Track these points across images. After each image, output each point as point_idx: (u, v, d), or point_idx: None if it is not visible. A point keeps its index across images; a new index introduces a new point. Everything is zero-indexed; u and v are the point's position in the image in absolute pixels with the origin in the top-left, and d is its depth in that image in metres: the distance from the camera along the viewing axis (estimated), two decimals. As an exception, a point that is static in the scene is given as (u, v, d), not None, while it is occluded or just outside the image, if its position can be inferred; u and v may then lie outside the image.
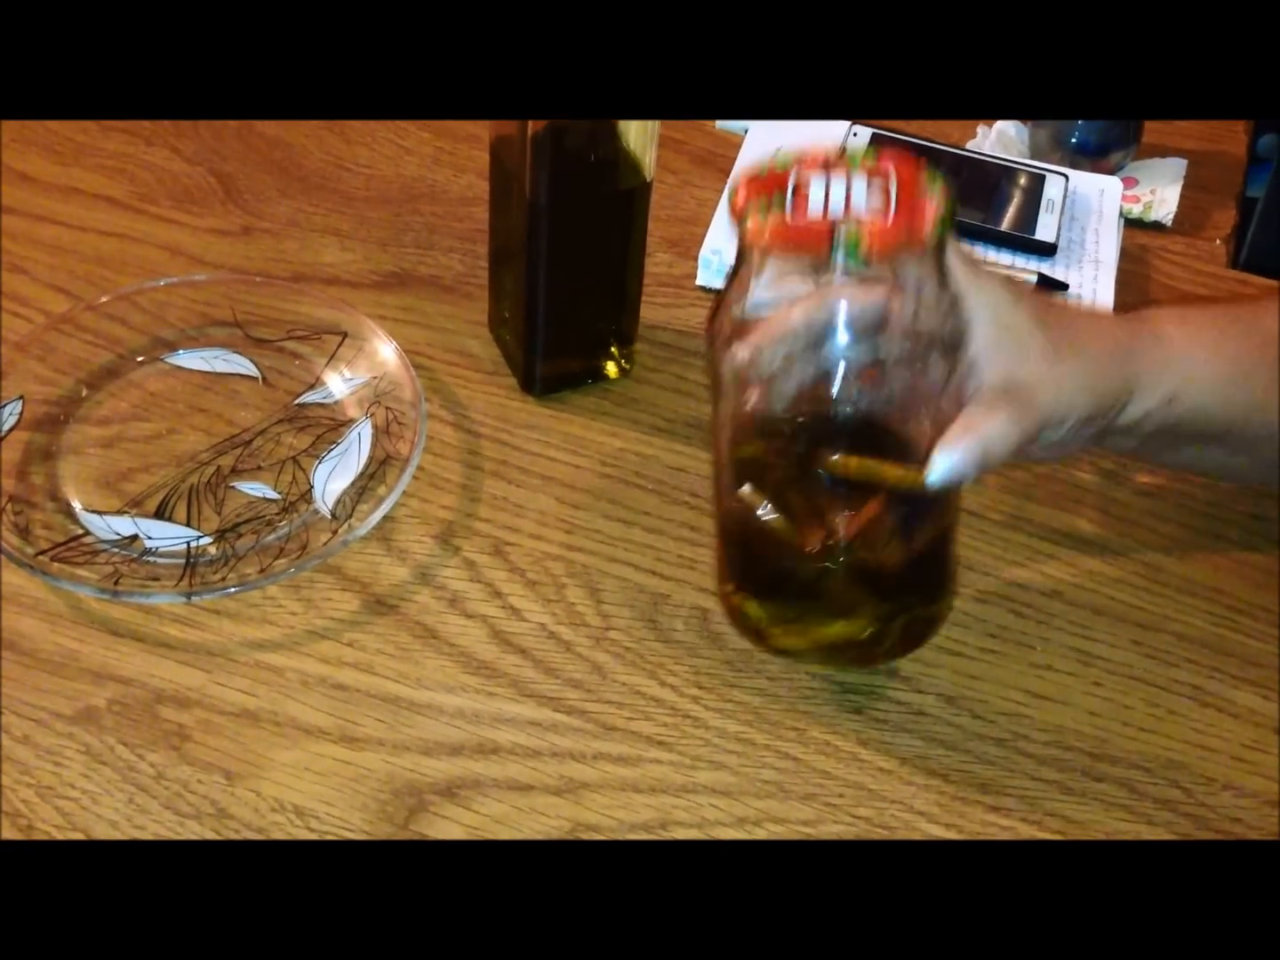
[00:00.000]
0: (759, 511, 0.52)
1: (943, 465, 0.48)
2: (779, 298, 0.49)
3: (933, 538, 0.53)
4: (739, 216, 0.47)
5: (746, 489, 0.52)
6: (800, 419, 0.51)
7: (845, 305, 0.48)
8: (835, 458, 0.50)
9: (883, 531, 0.51)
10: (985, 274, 0.51)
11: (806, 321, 0.49)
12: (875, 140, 0.77)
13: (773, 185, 0.48)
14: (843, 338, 0.48)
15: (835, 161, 0.49)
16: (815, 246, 0.46)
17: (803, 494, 0.52)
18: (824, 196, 0.47)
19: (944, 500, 0.52)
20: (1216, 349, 0.54)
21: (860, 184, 0.48)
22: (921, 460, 0.49)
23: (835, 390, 0.49)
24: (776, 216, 0.47)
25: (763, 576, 0.55)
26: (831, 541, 0.51)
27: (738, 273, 0.49)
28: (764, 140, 0.78)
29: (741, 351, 0.50)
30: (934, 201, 0.47)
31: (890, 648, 0.56)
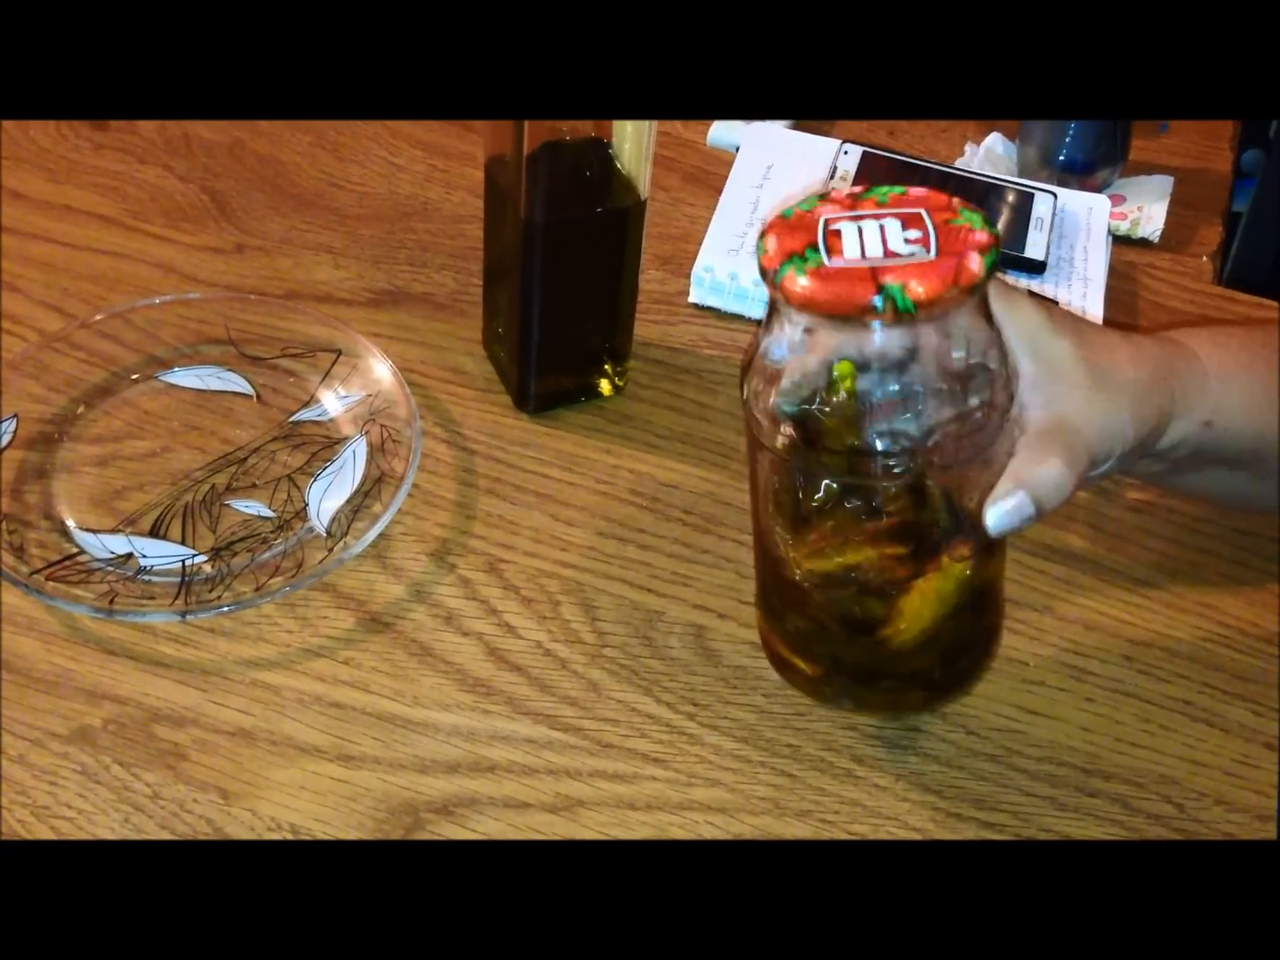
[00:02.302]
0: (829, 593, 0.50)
1: (996, 518, 0.47)
2: (811, 345, 0.47)
3: (979, 586, 0.52)
4: (772, 272, 0.45)
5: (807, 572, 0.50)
6: (838, 465, 0.48)
7: (876, 340, 0.45)
8: (883, 487, 0.48)
9: (930, 579, 0.50)
10: (1019, 299, 0.49)
11: (834, 363, 0.46)
12: (866, 158, 0.78)
13: (801, 232, 0.45)
14: (871, 379, 0.46)
15: (862, 200, 0.47)
16: (858, 303, 0.43)
17: (847, 540, 0.50)
18: (858, 242, 0.45)
19: (994, 548, 0.51)
20: (1250, 371, 0.54)
21: (894, 225, 0.45)
22: (969, 503, 0.48)
23: (869, 434, 0.47)
24: (813, 271, 0.44)
25: (822, 641, 0.53)
26: (904, 626, 0.50)
27: (769, 323, 0.47)
28: (755, 156, 0.79)
29: (773, 398, 0.47)
30: (977, 238, 0.45)
31: (926, 694, 0.55)
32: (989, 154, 0.84)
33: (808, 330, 0.46)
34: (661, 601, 0.60)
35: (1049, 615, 0.61)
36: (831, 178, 0.76)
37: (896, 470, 0.47)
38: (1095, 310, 0.73)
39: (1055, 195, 0.77)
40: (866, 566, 0.50)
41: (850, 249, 0.45)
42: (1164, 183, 0.84)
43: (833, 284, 0.44)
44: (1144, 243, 0.80)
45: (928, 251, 0.44)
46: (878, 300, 0.43)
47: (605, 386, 0.68)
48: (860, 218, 0.46)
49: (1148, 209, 0.82)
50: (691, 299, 0.73)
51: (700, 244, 0.74)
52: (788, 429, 0.48)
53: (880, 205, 0.46)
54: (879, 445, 0.47)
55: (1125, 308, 0.76)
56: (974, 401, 0.47)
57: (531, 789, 0.54)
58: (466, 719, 0.55)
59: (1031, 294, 0.51)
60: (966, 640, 0.53)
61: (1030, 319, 0.49)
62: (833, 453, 0.48)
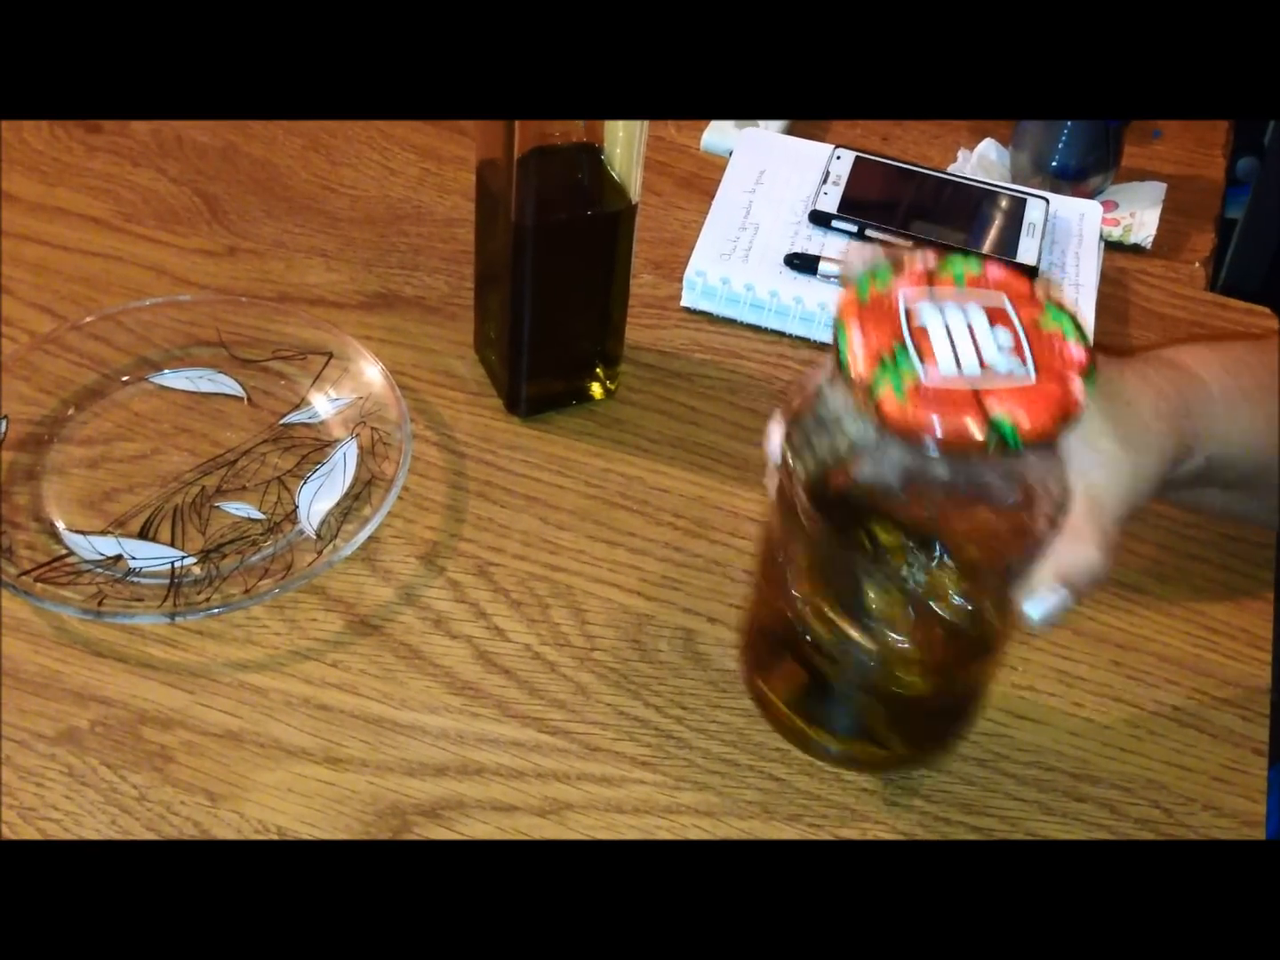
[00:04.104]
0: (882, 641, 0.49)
1: (1036, 610, 0.47)
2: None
3: (975, 679, 0.52)
4: (866, 388, 0.41)
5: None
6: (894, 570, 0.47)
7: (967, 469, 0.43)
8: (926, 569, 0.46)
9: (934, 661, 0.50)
10: None
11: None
12: (858, 164, 0.78)
13: (885, 323, 0.42)
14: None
15: (939, 277, 0.44)
16: (968, 438, 0.40)
17: (859, 602, 0.49)
18: (949, 346, 0.42)
19: (996, 643, 0.50)
20: (1258, 403, 0.53)
21: (981, 321, 0.43)
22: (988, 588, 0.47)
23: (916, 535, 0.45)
24: (914, 391, 0.41)
25: (789, 669, 0.53)
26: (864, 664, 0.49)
27: (825, 394, 0.44)
28: (748, 162, 0.79)
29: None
30: (1074, 355, 0.42)
31: (888, 764, 0.55)
32: (982, 160, 0.85)
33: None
34: (651, 605, 0.60)
35: (1038, 620, 0.61)
36: (824, 182, 0.76)
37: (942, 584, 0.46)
38: (1087, 316, 0.73)
39: (1048, 201, 0.77)
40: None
41: (943, 355, 0.42)
42: (1156, 189, 0.84)
43: (938, 410, 0.40)
44: (1136, 249, 0.80)
45: (1023, 365, 0.42)
46: (989, 435, 0.40)
47: (596, 390, 0.68)
48: (941, 303, 0.43)
49: (1140, 215, 0.82)
50: (683, 303, 0.73)
51: (693, 248, 0.74)
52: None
53: (958, 286, 0.44)
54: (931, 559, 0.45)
55: (1117, 314, 0.76)
56: (1034, 522, 0.45)
57: (519, 792, 0.53)
58: (455, 722, 0.55)
59: None
60: (960, 707, 0.54)
61: None
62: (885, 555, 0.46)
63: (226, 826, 0.52)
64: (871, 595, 0.48)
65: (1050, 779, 0.55)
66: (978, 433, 0.40)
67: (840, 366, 0.42)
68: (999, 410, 0.41)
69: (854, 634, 0.49)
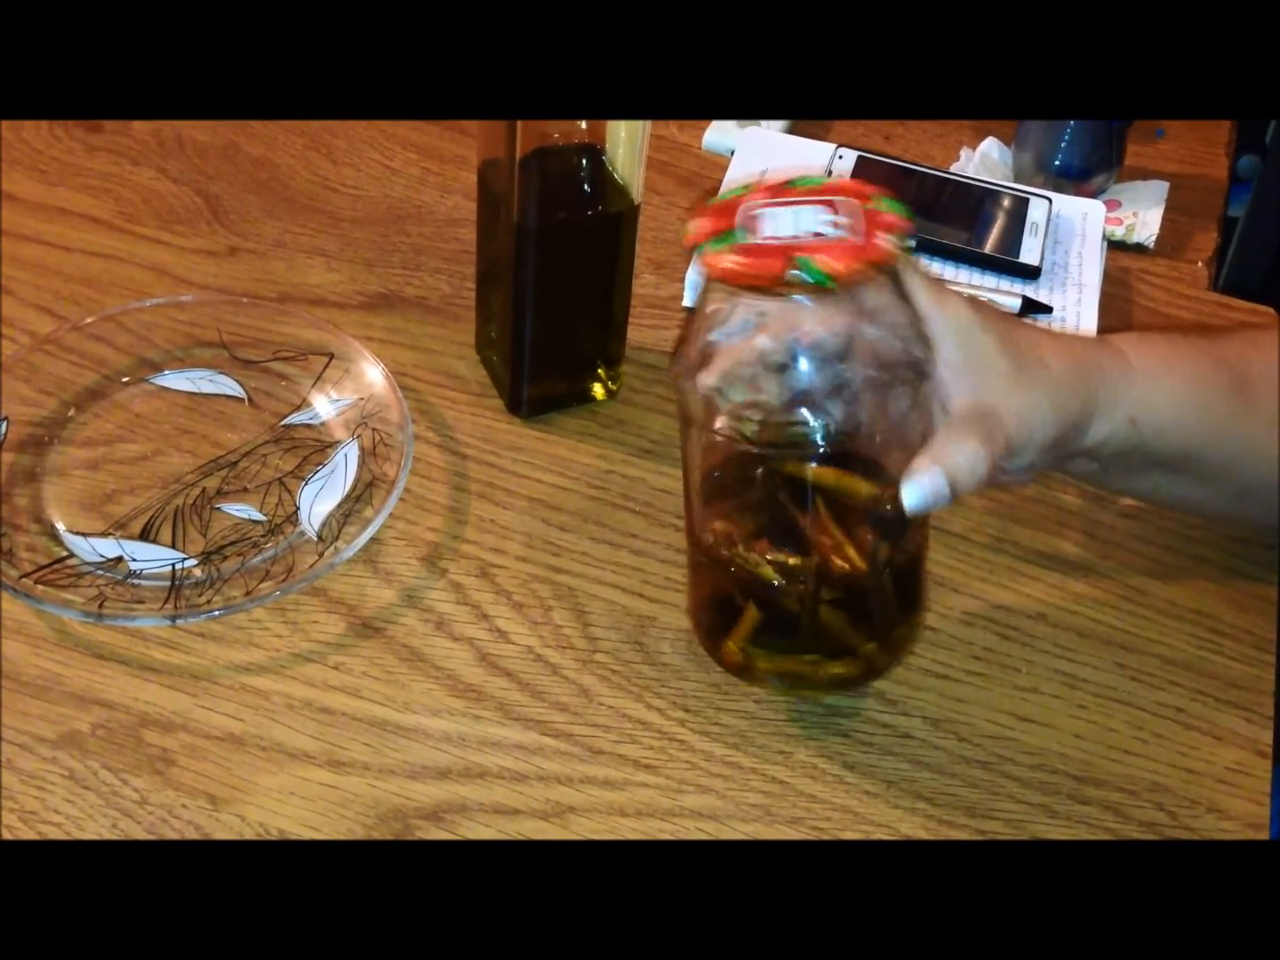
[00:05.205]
0: (737, 552, 0.52)
1: (912, 495, 0.48)
2: (744, 325, 0.49)
3: (907, 559, 0.53)
4: (695, 249, 0.48)
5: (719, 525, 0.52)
6: (770, 446, 0.51)
7: (807, 331, 0.48)
8: (812, 468, 0.50)
9: (861, 558, 0.51)
10: (949, 295, 0.51)
11: (770, 348, 0.49)
12: (861, 163, 0.78)
13: (727, 216, 0.48)
14: (806, 364, 0.48)
15: (789, 188, 0.49)
16: (772, 274, 0.46)
17: (776, 524, 0.52)
18: (778, 224, 0.48)
19: (917, 520, 0.52)
20: (1174, 370, 0.55)
21: (812, 211, 0.48)
22: (892, 484, 0.49)
23: (803, 416, 0.49)
24: (734, 248, 0.47)
25: (741, 613, 0.54)
26: (805, 580, 0.51)
27: (702, 302, 0.50)
28: (750, 161, 0.78)
29: (708, 378, 0.50)
30: (889, 221, 0.47)
31: (868, 672, 0.56)
32: (984, 159, 0.84)
33: (748, 311, 0.49)
34: (653, 607, 0.60)
35: (1042, 622, 0.61)
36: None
37: (821, 447, 0.49)
38: (1089, 316, 0.72)
39: (1050, 201, 0.77)
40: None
41: (769, 231, 0.48)
42: (1159, 188, 0.84)
43: (751, 261, 0.47)
44: (1139, 248, 0.80)
45: (845, 232, 0.47)
46: (793, 272, 0.46)
47: (598, 391, 0.68)
48: (783, 204, 0.48)
49: (1143, 214, 0.81)
50: (686, 303, 0.73)
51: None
52: (720, 411, 0.50)
53: (804, 192, 0.49)
54: (809, 420, 0.49)
55: (1120, 313, 0.76)
56: (893, 381, 0.49)
57: (522, 795, 0.53)
58: (457, 724, 0.55)
59: (960, 294, 0.53)
60: (891, 613, 0.54)
61: (959, 312, 0.51)
62: (767, 430, 0.50)
63: (228, 830, 0.51)
64: (783, 506, 0.51)
65: (1054, 782, 0.55)
66: (783, 269, 0.46)
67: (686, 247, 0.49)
68: (806, 255, 0.46)
69: (780, 555, 0.52)
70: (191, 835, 0.51)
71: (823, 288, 0.46)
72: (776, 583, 0.52)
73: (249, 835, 0.51)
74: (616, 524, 0.63)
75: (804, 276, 0.46)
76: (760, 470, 0.52)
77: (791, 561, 0.51)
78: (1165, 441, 0.54)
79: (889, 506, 0.49)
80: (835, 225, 0.48)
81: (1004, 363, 0.51)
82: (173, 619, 0.56)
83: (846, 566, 0.51)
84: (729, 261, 0.47)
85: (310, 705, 0.55)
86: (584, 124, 0.61)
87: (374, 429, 0.64)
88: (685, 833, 0.53)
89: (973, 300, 0.52)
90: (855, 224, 0.48)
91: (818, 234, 0.47)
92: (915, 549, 0.53)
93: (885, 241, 0.47)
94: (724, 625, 0.54)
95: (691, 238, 0.48)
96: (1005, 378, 0.51)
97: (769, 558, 0.52)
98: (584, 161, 0.62)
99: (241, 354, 0.68)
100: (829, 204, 0.48)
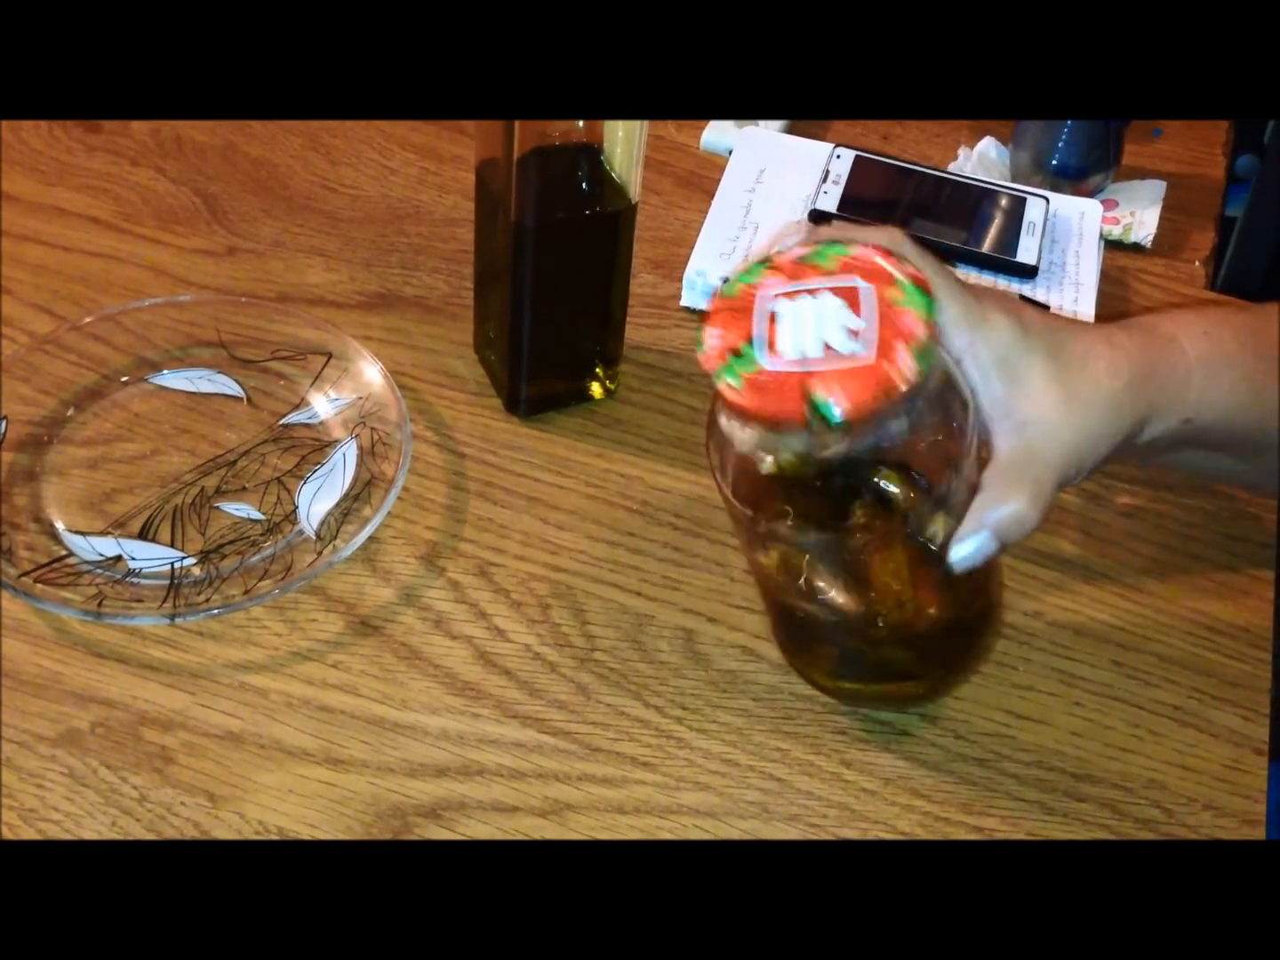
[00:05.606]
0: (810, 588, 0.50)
1: (960, 556, 0.47)
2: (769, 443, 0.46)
3: (972, 591, 0.52)
4: (711, 373, 0.45)
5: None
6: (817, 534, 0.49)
7: (833, 451, 0.45)
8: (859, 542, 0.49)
9: (929, 591, 0.51)
10: (989, 313, 0.48)
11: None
12: (858, 163, 0.78)
13: (743, 319, 0.45)
14: (839, 480, 0.47)
15: (807, 265, 0.46)
16: (789, 418, 0.43)
17: (837, 559, 0.51)
18: (798, 334, 0.44)
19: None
20: (1234, 364, 0.52)
21: (834, 307, 0.45)
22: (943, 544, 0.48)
23: (846, 521, 0.48)
24: (750, 381, 0.44)
25: (815, 646, 0.55)
26: (884, 613, 0.51)
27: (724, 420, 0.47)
28: (748, 161, 0.79)
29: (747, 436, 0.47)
30: (911, 328, 0.44)
31: (940, 688, 0.57)
32: (982, 159, 0.85)
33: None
34: (651, 605, 0.60)
35: (1039, 620, 0.61)
36: (824, 181, 0.76)
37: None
38: (1087, 315, 0.73)
39: (1048, 200, 0.77)
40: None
41: (788, 344, 0.44)
42: (1157, 188, 0.84)
43: (765, 397, 0.44)
44: (1136, 248, 0.80)
45: (864, 345, 0.44)
46: (811, 416, 0.43)
47: (596, 390, 0.68)
48: (801, 293, 0.45)
49: (1140, 214, 0.82)
50: (683, 303, 0.73)
51: (693, 248, 0.74)
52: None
53: (825, 272, 0.46)
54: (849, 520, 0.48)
55: (1117, 313, 0.76)
56: (929, 469, 0.47)
57: (520, 793, 0.53)
58: (455, 722, 0.55)
59: (1003, 299, 0.50)
60: (955, 644, 0.54)
61: (1001, 336, 0.48)
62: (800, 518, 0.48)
63: (227, 828, 0.52)
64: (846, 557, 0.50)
65: (1051, 779, 0.55)
66: (798, 411, 0.43)
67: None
68: (819, 391, 0.43)
69: (848, 601, 0.51)
70: (190, 833, 0.51)
71: (841, 428, 0.43)
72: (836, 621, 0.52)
73: (248, 833, 0.51)
74: (614, 522, 0.63)
75: (820, 419, 0.43)
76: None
77: (847, 605, 0.51)
78: (1216, 432, 0.52)
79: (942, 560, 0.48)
80: (854, 334, 0.44)
81: (1053, 390, 0.48)
82: (171, 618, 0.57)
83: (906, 611, 0.51)
84: (745, 401, 0.44)
85: (309, 703, 0.55)
86: (582, 124, 0.61)
87: (372, 428, 0.64)
88: (683, 830, 0.53)
89: (1017, 309, 0.49)
90: (871, 331, 0.44)
91: (837, 350, 0.44)
92: (981, 582, 0.52)
93: (905, 363, 0.43)
94: (806, 658, 0.56)
95: (707, 358, 0.45)
96: (1054, 407, 0.48)
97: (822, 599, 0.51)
98: (582, 161, 0.62)
99: (240, 353, 0.68)
100: (850, 292, 0.45)
